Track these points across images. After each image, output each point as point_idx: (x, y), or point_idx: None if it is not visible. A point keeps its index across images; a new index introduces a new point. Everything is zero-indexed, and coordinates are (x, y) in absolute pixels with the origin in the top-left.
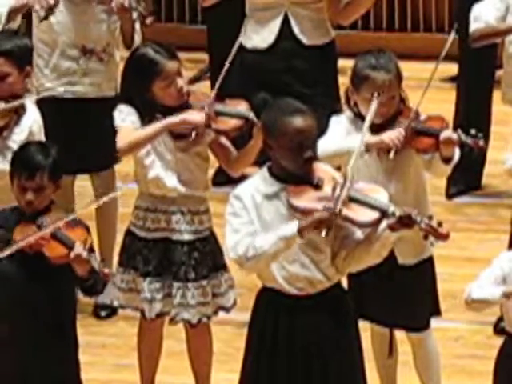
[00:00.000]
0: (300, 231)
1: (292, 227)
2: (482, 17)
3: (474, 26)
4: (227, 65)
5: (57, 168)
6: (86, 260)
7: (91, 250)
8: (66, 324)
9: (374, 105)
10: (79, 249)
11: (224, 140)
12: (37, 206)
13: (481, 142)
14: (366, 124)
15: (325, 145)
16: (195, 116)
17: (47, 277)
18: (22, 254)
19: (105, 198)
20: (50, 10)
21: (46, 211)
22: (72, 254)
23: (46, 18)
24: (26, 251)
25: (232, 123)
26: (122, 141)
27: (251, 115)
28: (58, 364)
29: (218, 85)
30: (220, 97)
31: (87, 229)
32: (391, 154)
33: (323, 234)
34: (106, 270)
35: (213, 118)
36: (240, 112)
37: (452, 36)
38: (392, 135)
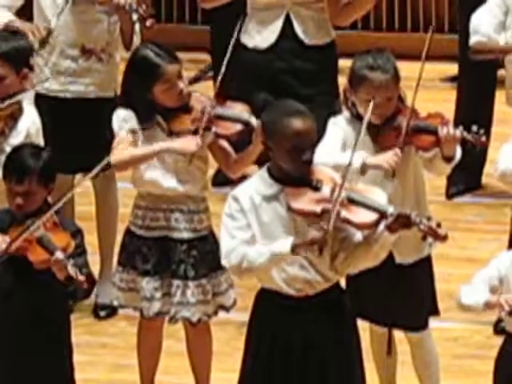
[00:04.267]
0: (293, 249)
1: (285, 245)
2: (480, 29)
3: (474, 39)
4: (224, 65)
5: (48, 172)
6: (64, 266)
7: (73, 255)
8: (57, 326)
9: (363, 127)
10: (58, 255)
11: (224, 143)
12: (27, 210)
13: (483, 138)
14: (356, 145)
15: (322, 155)
16: (190, 145)
17: (35, 278)
18: (9, 256)
19: (95, 171)
20: (43, 42)
21: (37, 213)
22: (52, 260)
23: (41, 47)
24: (13, 253)
25: (233, 128)
26: (116, 157)
27: (252, 120)
28: (48, 369)
29: (217, 85)
30: (221, 98)
31: (73, 232)
32: (389, 178)
33: (316, 253)
34: (82, 278)
35: (214, 122)
36: (241, 117)
37: (429, 35)
38: (388, 158)
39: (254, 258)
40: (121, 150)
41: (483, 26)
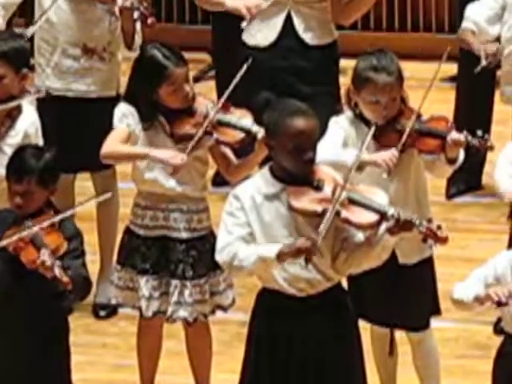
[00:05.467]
0: (278, 256)
1: (272, 250)
2: (471, 16)
3: (464, 25)
4: (237, 78)
5: (49, 173)
6: (49, 267)
7: (68, 257)
8: (55, 328)
9: (370, 133)
10: (44, 255)
11: (225, 149)
12: (26, 210)
13: (488, 143)
14: (363, 147)
15: (323, 153)
16: (176, 160)
17: (34, 280)
18: (10, 254)
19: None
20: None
21: (38, 214)
22: (38, 260)
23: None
24: (12, 252)
25: (235, 136)
26: (106, 147)
27: (255, 129)
28: (45, 370)
29: (225, 95)
30: (225, 103)
31: (72, 235)
32: (384, 175)
33: (302, 263)
34: (66, 279)
35: (216, 127)
36: (244, 125)
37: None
38: (385, 156)
39: (243, 258)
40: (111, 143)
41: (475, 14)
